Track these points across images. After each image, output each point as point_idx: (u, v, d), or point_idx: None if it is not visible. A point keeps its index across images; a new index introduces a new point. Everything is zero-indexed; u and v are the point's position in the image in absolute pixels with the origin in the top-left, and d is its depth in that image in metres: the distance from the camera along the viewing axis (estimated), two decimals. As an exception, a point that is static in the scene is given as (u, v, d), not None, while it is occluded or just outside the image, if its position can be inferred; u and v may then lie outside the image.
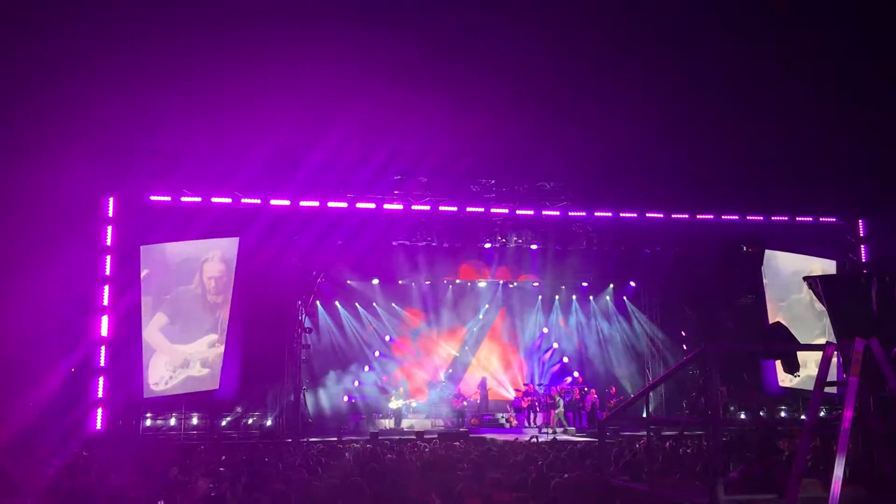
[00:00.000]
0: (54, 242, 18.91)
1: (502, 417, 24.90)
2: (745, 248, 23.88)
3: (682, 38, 19.62)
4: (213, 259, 21.10)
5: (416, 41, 19.14)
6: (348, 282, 25.61)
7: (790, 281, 24.18)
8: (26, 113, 18.18)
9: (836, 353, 6.38)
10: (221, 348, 20.85)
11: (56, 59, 18.05)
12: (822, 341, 22.09)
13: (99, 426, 19.50)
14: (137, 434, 20.21)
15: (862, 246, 24.59)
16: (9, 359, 17.50)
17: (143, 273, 20.49)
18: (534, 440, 17.13)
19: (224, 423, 21.57)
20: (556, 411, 23.77)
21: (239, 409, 21.65)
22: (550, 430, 22.41)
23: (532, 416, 24.31)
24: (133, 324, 20.35)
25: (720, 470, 6.13)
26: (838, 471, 5.72)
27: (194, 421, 21.30)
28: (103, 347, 19.94)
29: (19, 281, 18.15)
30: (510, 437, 19.49)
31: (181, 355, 20.62)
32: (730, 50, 19.82)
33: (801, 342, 8.80)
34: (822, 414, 7.39)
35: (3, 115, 17.72)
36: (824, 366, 6.39)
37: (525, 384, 26.00)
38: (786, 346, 8.10)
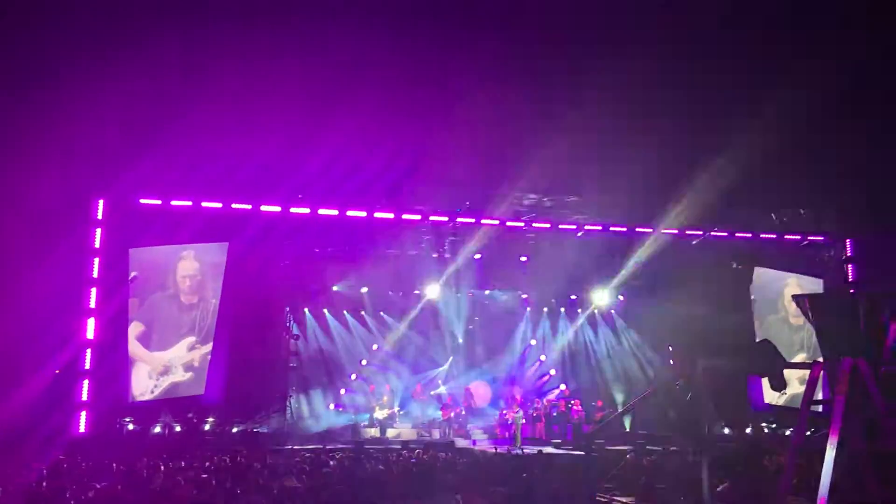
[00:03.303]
0: (42, 244, 18.82)
1: (488, 429, 24.81)
2: (735, 265, 24.01)
3: (679, 48, 19.73)
4: (186, 258, 20.97)
5: (422, 43, 19.25)
6: (335, 289, 25.47)
7: (771, 298, 24.33)
8: (16, 113, 18.11)
9: (822, 371, 6.39)
10: (203, 349, 20.76)
11: (46, 60, 18.02)
12: (798, 359, 22.12)
13: (83, 429, 19.30)
14: (122, 438, 20.05)
15: (849, 266, 24.71)
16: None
17: (132, 276, 20.38)
18: (520, 452, 17.16)
19: (209, 427, 21.42)
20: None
21: (225, 415, 21.49)
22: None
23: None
24: (119, 327, 20.17)
25: (706, 485, 6.14)
26: (823, 489, 5.74)
27: (179, 427, 21.14)
28: (89, 350, 19.72)
29: (6, 282, 18.05)
30: (497, 449, 19.48)
31: (160, 362, 20.51)
32: (725, 63, 19.95)
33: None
34: (808, 433, 7.40)
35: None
36: (811, 384, 6.40)
37: (512, 396, 25.95)
38: (773, 364, 8.13)
